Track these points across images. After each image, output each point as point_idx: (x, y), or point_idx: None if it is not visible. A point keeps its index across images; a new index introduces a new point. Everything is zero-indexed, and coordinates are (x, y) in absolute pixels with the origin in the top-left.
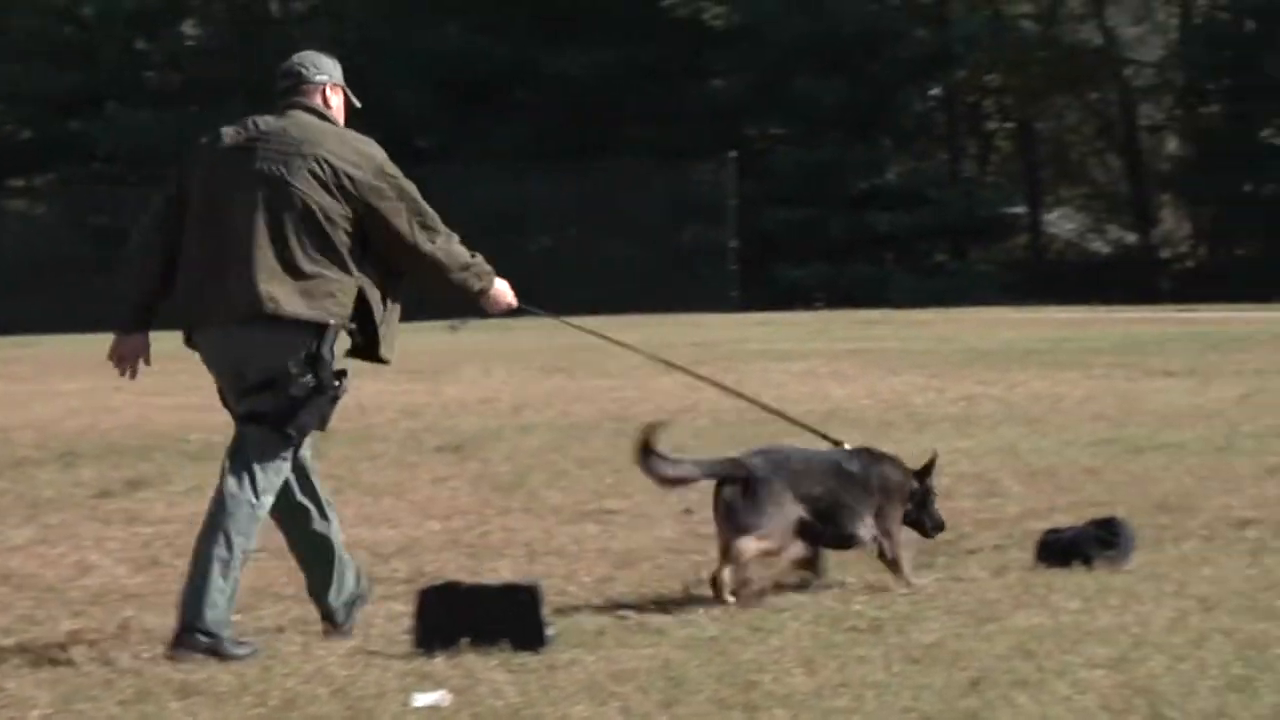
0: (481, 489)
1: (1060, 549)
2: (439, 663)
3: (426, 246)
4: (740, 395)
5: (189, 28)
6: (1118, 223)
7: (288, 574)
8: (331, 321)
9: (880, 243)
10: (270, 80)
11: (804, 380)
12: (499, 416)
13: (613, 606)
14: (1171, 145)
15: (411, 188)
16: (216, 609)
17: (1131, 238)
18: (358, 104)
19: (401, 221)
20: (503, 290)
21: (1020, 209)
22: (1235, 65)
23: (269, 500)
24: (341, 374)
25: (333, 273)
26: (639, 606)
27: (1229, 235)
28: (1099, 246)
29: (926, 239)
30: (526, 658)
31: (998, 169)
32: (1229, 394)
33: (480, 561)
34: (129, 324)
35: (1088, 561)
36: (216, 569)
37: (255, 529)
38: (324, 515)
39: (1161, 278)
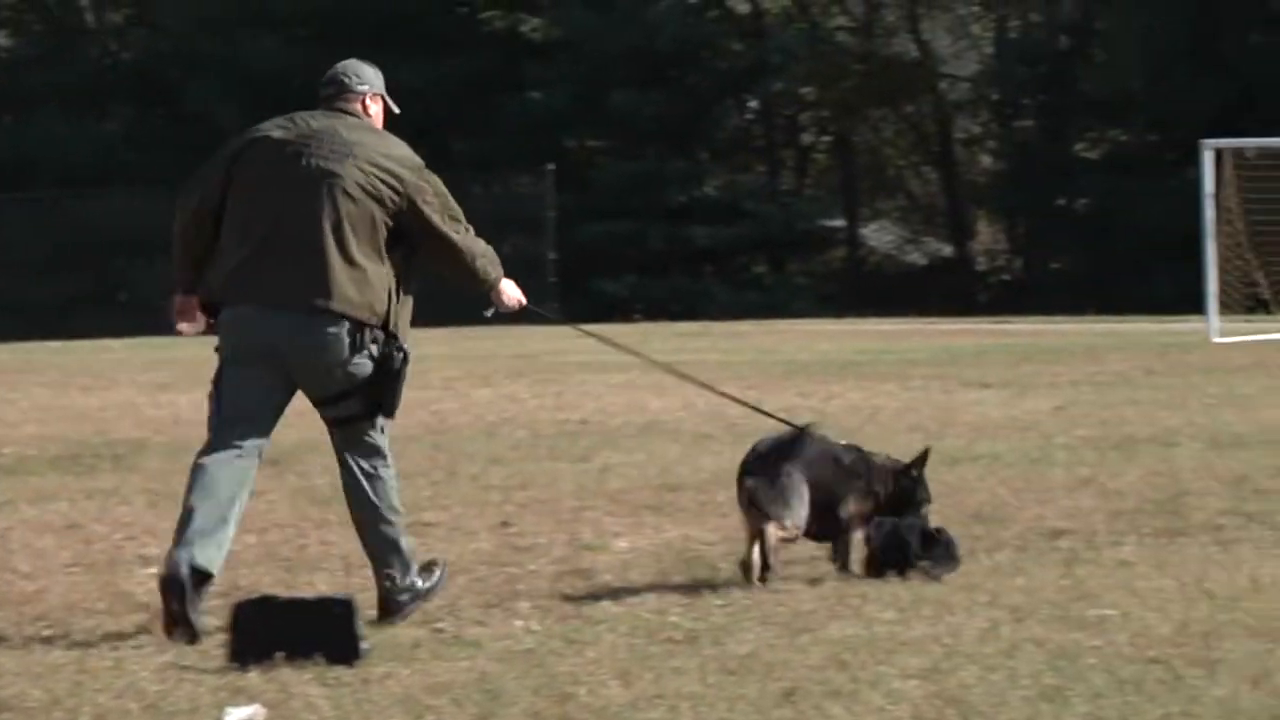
0: (299, 502)
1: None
2: (253, 677)
3: (454, 237)
4: (746, 404)
5: (2, 37)
6: (934, 235)
7: (99, 589)
8: (374, 319)
9: (699, 255)
10: (144, 85)
11: (622, 392)
12: (317, 429)
13: (428, 620)
14: (987, 159)
15: (441, 185)
16: (409, 568)
17: (948, 250)
18: (396, 110)
19: (437, 217)
20: (511, 288)
21: (838, 222)
22: (1049, 80)
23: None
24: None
25: (374, 266)
26: (456, 619)
27: (1043, 248)
28: (916, 259)
29: (745, 252)
30: (341, 671)
31: (815, 182)
32: (1043, 405)
33: (296, 575)
34: (186, 286)
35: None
36: (401, 543)
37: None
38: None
39: (978, 290)
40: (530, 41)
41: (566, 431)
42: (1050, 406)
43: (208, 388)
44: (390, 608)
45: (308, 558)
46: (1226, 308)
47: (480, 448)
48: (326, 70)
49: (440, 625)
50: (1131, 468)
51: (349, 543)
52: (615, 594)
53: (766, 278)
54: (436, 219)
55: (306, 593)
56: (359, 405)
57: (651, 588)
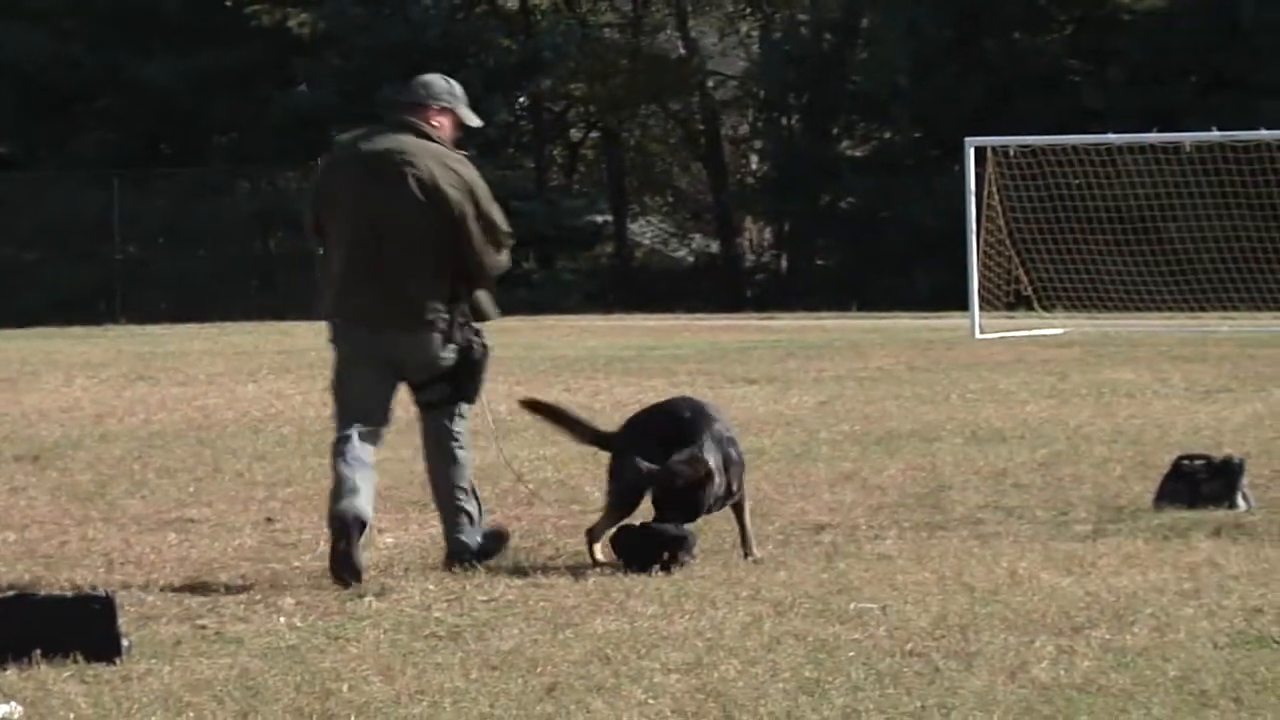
0: (60, 499)
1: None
2: (10, 674)
3: (488, 261)
4: None
5: None
6: (701, 232)
7: None
8: (456, 316)
9: None
10: None
11: None
12: (80, 425)
13: (191, 616)
14: (754, 157)
15: (490, 208)
16: (474, 529)
17: (715, 247)
18: (474, 122)
19: (476, 237)
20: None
21: (605, 217)
22: (814, 79)
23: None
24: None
25: (442, 270)
26: (218, 616)
27: (809, 245)
28: (683, 255)
29: (513, 248)
30: (101, 668)
31: (583, 178)
32: (808, 401)
33: (56, 572)
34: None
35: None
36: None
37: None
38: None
39: (745, 286)
40: (297, 36)
41: (332, 428)
42: (814, 402)
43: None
44: (454, 560)
45: (68, 554)
46: (989, 304)
47: (245, 444)
48: (88, 63)
49: (202, 622)
50: (893, 462)
51: (110, 539)
52: (379, 590)
53: (534, 274)
54: (476, 239)
55: (66, 590)
56: (444, 391)
57: (415, 583)
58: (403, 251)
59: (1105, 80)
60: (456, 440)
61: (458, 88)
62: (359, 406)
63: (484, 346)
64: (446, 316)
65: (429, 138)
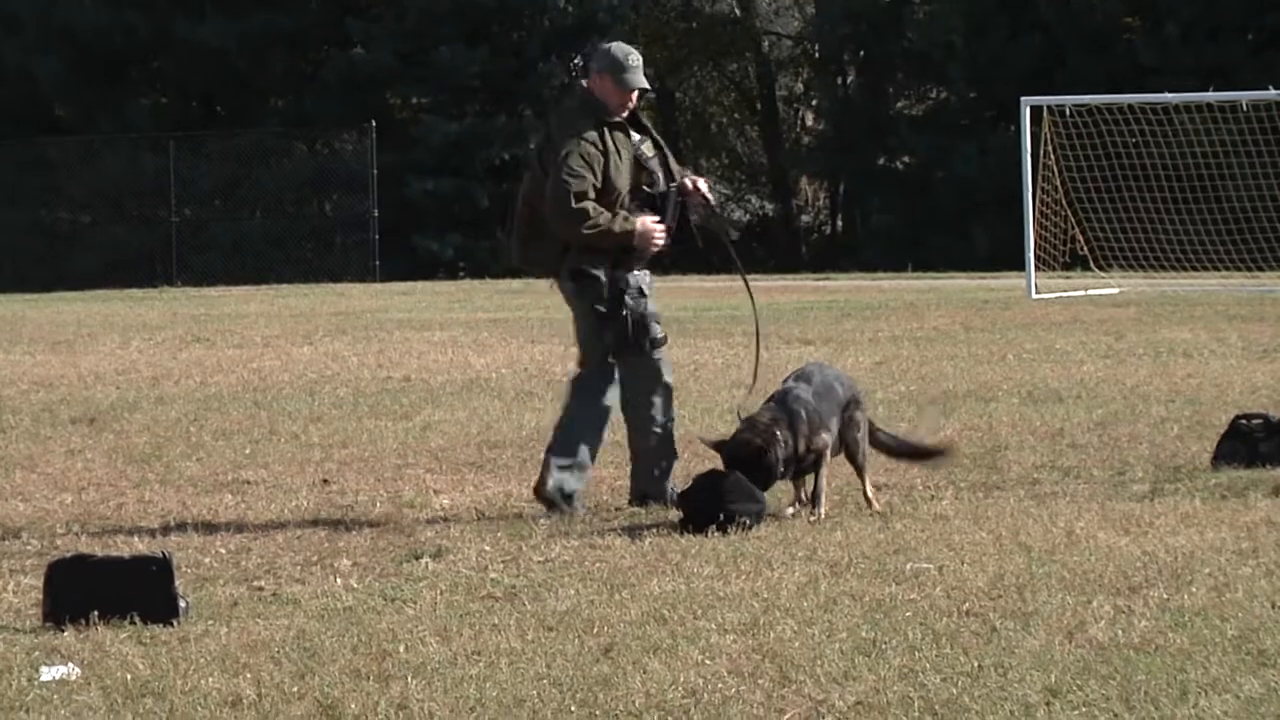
0: (117, 461)
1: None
2: (68, 636)
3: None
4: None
5: None
6: (757, 193)
7: None
8: (591, 269)
9: None
10: None
11: (445, 349)
12: (136, 388)
13: (248, 578)
14: (808, 115)
15: (570, 168)
16: (665, 471)
17: (771, 208)
18: (641, 87)
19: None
20: None
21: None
22: (870, 37)
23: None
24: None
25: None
26: (275, 577)
27: (864, 205)
28: (740, 216)
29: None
30: (158, 630)
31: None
32: (864, 361)
33: (113, 534)
34: None
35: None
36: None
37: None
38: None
39: (800, 247)
40: None
41: (388, 389)
42: (871, 362)
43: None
44: (640, 496)
45: (125, 516)
46: (1045, 264)
47: (301, 406)
48: (142, 26)
49: (259, 583)
50: (950, 422)
51: (167, 501)
52: (436, 551)
53: None
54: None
55: (123, 552)
56: (607, 342)
57: (472, 545)
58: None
59: (1160, 37)
60: (636, 383)
61: (617, 52)
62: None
63: (615, 299)
64: (588, 268)
65: (586, 102)
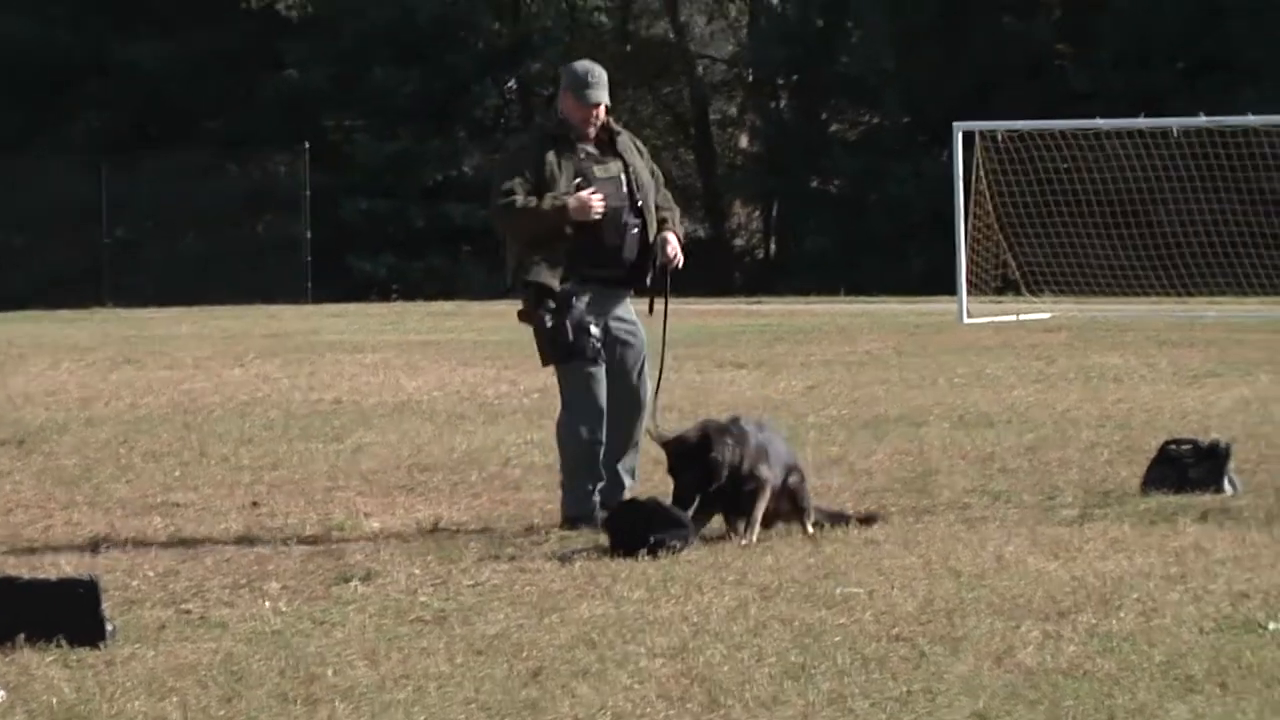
0: (45, 483)
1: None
2: None
3: None
4: None
5: None
6: (690, 216)
7: None
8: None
9: (456, 235)
10: None
11: (376, 371)
12: (66, 409)
13: (175, 601)
14: (742, 138)
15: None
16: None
17: (704, 230)
18: (597, 102)
19: None
20: None
21: None
22: (804, 61)
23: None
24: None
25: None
26: (203, 600)
27: (797, 228)
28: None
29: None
30: (85, 653)
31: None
32: (796, 385)
33: (41, 557)
34: None
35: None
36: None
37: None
38: None
39: (734, 270)
40: (286, 19)
41: (319, 411)
42: (802, 386)
43: None
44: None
45: (53, 538)
46: (976, 288)
47: (231, 428)
48: (75, 47)
49: (187, 606)
50: (881, 446)
51: (95, 524)
52: (365, 574)
53: None
54: None
55: (50, 574)
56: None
57: (401, 568)
58: None
59: (1091, 64)
60: (562, 400)
61: (579, 69)
62: None
63: (541, 312)
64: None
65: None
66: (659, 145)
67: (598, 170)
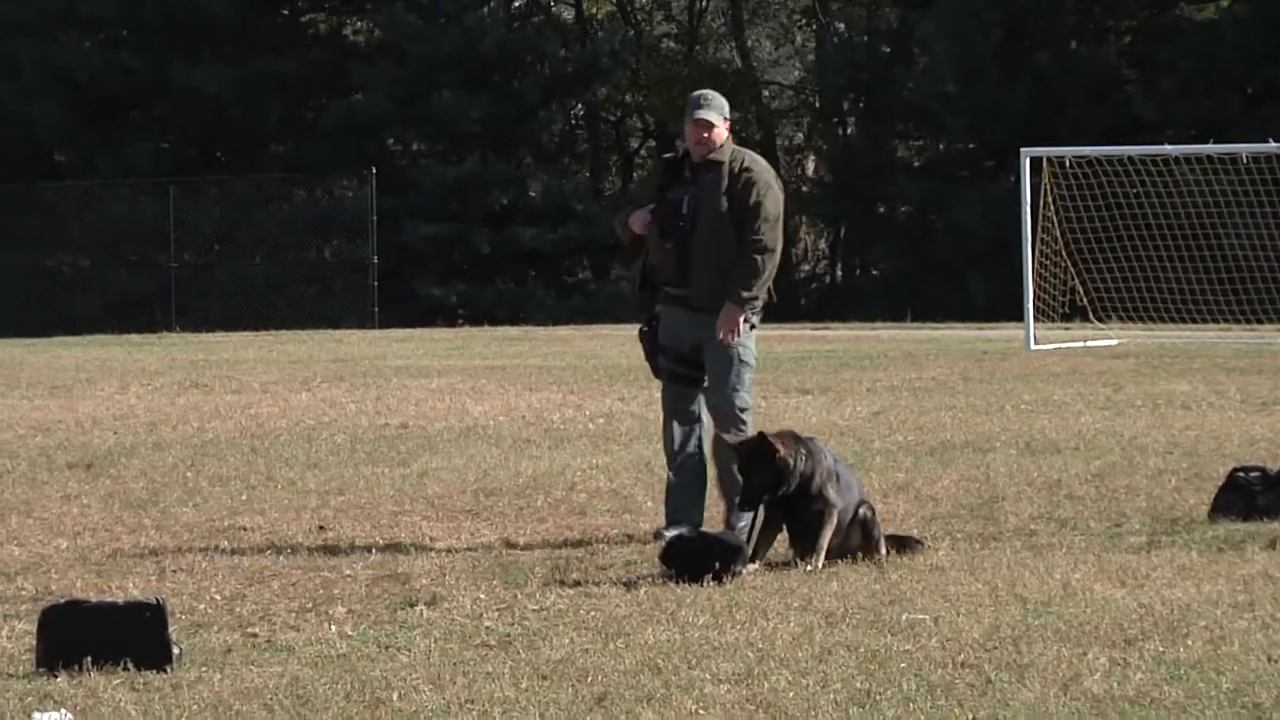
0: (113, 506)
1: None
2: (61, 682)
3: None
4: None
5: None
6: None
7: None
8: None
9: (523, 259)
10: None
11: (442, 396)
12: (133, 433)
13: (242, 624)
14: (809, 164)
15: None
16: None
17: None
18: (694, 119)
19: None
20: None
21: None
22: (870, 86)
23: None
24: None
25: None
26: (269, 624)
27: (863, 253)
28: None
29: (569, 256)
30: (151, 676)
31: (640, 188)
32: (862, 411)
33: (108, 579)
34: None
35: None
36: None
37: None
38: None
39: (800, 296)
40: (354, 44)
41: (385, 436)
42: (868, 412)
43: None
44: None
45: (120, 561)
46: (1044, 315)
47: (298, 452)
48: (141, 70)
49: (253, 630)
50: (947, 473)
51: (162, 547)
52: (430, 599)
53: (590, 283)
54: None
55: (118, 597)
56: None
57: (467, 592)
58: None
59: (1157, 90)
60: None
61: (694, 95)
62: None
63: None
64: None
65: None
66: None
67: (673, 192)
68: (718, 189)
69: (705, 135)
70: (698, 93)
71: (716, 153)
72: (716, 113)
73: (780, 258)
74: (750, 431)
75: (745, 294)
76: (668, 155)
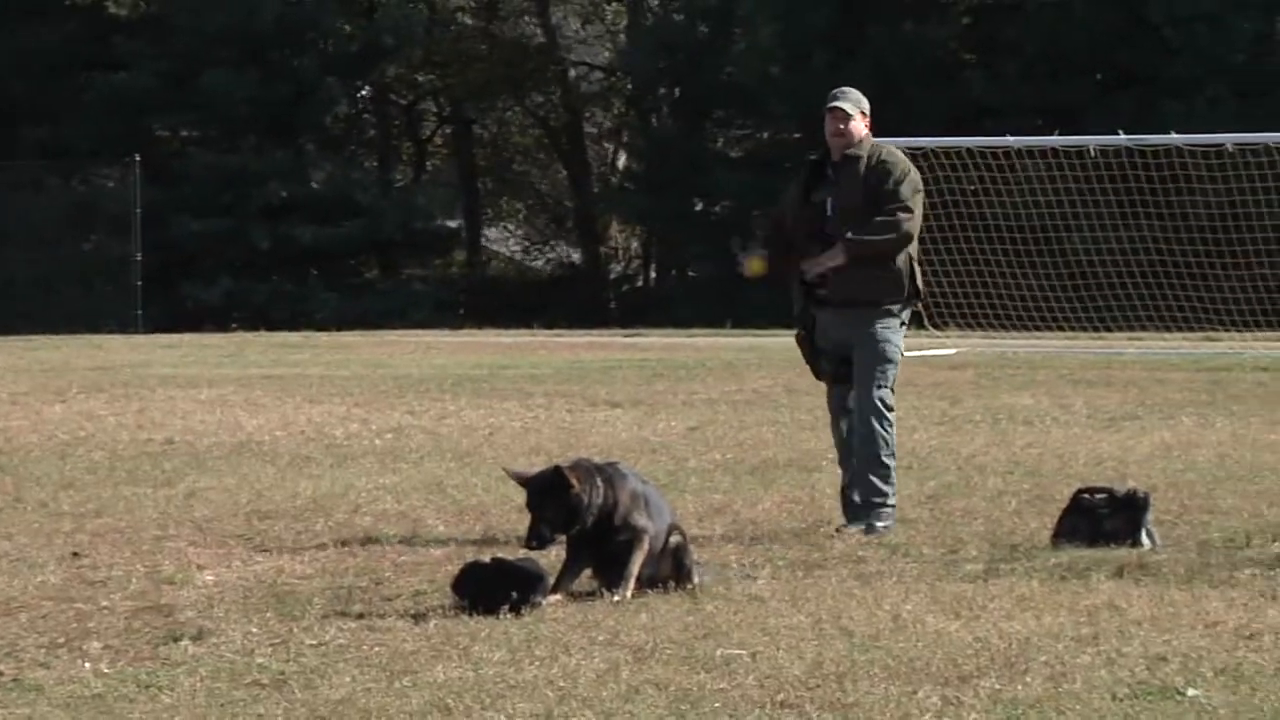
0: None
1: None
2: None
3: None
4: None
5: None
6: (563, 239)
7: None
8: None
9: (303, 257)
10: None
11: (212, 409)
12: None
13: None
14: (620, 154)
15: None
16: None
17: (576, 256)
18: (829, 107)
19: None
20: None
21: (457, 222)
22: (686, 71)
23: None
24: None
25: None
26: (16, 661)
27: (678, 253)
28: (542, 265)
29: (355, 254)
30: None
31: (433, 178)
32: (676, 426)
33: None
34: None
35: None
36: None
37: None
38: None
39: (609, 299)
40: (115, 16)
41: (149, 453)
42: (683, 427)
43: None
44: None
45: None
46: None
47: (51, 470)
48: None
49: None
50: (768, 494)
51: None
52: (197, 633)
53: (379, 283)
54: None
55: None
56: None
57: (237, 626)
58: None
59: (1000, 74)
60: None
61: (836, 92)
62: None
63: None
64: None
65: None
66: (528, 162)
67: (817, 194)
68: (856, 184)
69: (841, 127)
70: (836, 89)
71: (855, 148)
72: (853, 105)
73: (916, 248)
74: (892, 428)
75: (853, 237)
76: (811, 156)
